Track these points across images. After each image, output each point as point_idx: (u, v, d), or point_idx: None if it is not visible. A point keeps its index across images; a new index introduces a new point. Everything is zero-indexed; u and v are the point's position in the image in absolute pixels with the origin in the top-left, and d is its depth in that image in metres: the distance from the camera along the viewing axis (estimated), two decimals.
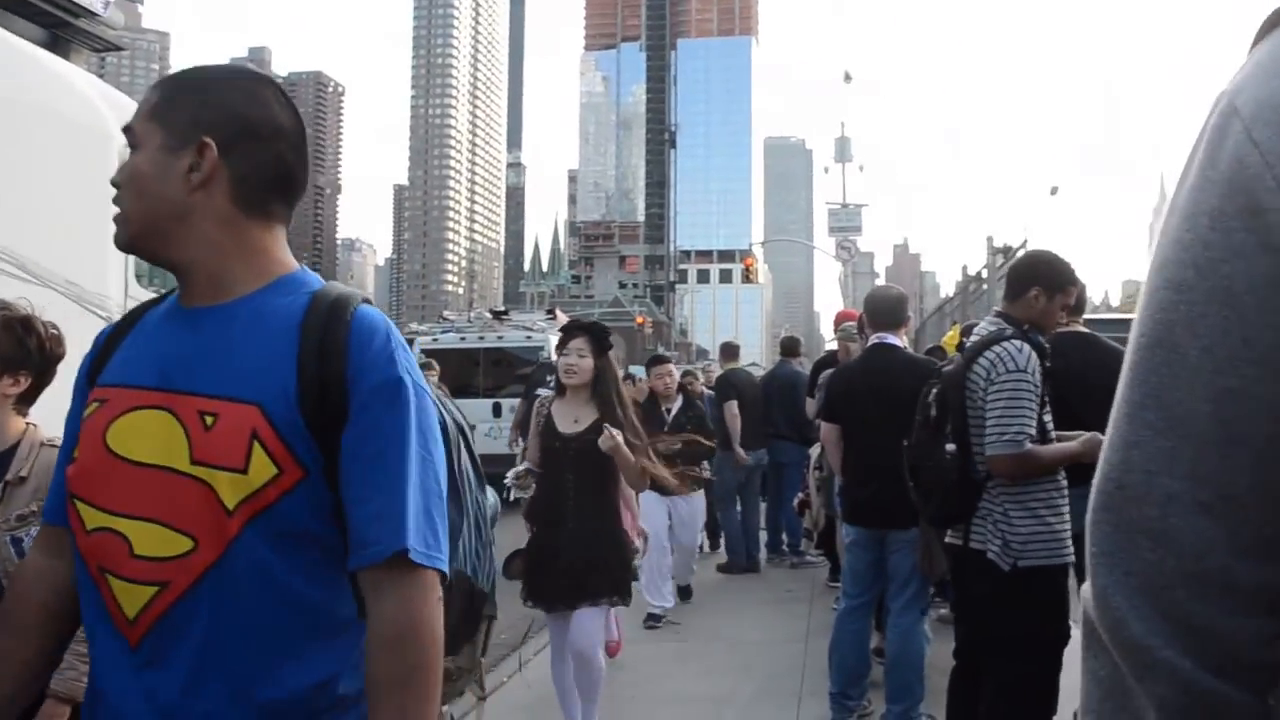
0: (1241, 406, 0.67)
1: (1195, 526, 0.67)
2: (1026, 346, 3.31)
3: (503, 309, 16.05)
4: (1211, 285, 0.67)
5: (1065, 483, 3.37)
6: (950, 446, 3.36)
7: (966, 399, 3.36)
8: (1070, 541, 3.30)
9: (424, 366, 8.95)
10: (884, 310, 4.68)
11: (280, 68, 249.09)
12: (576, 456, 4.04)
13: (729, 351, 10.05)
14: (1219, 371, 0.67)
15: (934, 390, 3.50)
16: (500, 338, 14.24)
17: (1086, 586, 0.73)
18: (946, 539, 3.61)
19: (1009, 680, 3.34)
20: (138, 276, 6.60)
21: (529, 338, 14.18)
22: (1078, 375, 3.62)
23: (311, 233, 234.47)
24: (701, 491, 7.37)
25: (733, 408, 8.44)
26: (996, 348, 3.34)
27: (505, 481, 4.23)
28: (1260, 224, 0.65)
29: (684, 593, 7.43)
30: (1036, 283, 3.47)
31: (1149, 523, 0.69)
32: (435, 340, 14.50)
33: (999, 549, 3.26)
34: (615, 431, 3.87)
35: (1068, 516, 3.32)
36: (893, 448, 4.23)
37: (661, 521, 6.79)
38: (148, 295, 6.57)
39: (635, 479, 4.08)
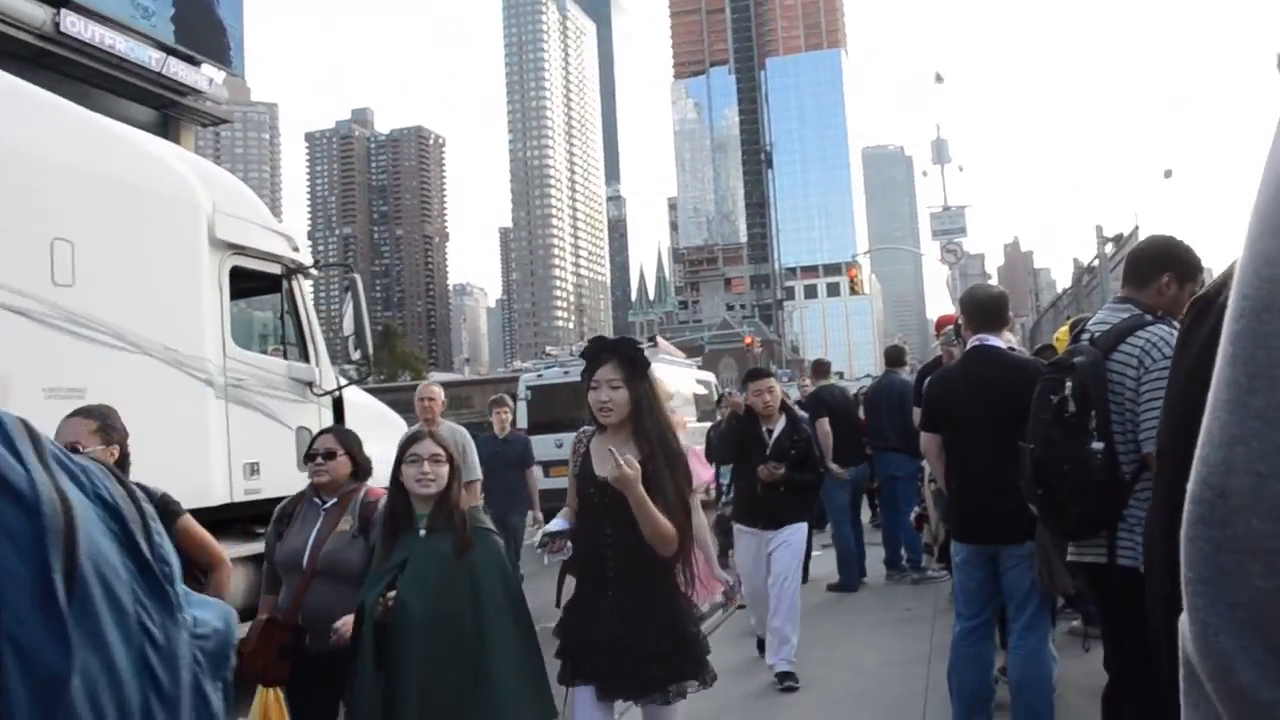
0: None
1: None
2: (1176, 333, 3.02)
3: None
4: None
5: None
6: (1097, 444, 3.00)
7: (1111, 393, 3.05)
8: None
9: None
10: (982, 310, 4.37)
11: (383, 125, 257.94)
12: (615, 505, 3.15)
13: (820, 369, 10.00)
14: None
15: (1068, 384, 3.12)
16: None
17: (1184, 620, 0.58)
18: (1073, 557, 3.30)
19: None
20: (232, 337, 6.77)
21: None
22: None
23: (424, 281, 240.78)
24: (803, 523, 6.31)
25: (824, 424, 8.25)
26: (1145, 333, 3.05)
27: (535, 543, 3.68)
28: None
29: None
30: (1168, 269, 3.22)
31: (1261, 540, 0.53)
32: (540, 376, 14.55)
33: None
34: (628, 459, 3.05)
35: None
36: (999, 456, 3.94)
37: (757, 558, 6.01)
38: (247, 355, 6.70)
39: (654, 534, 3.08)
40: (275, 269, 7.36)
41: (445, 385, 9.01)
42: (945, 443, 4.34)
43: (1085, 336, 3.26)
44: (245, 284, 7.31)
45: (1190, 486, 0.57)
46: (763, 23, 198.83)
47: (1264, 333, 0.55)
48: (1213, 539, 0.55)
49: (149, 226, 6.20)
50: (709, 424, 11.84)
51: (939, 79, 28.79)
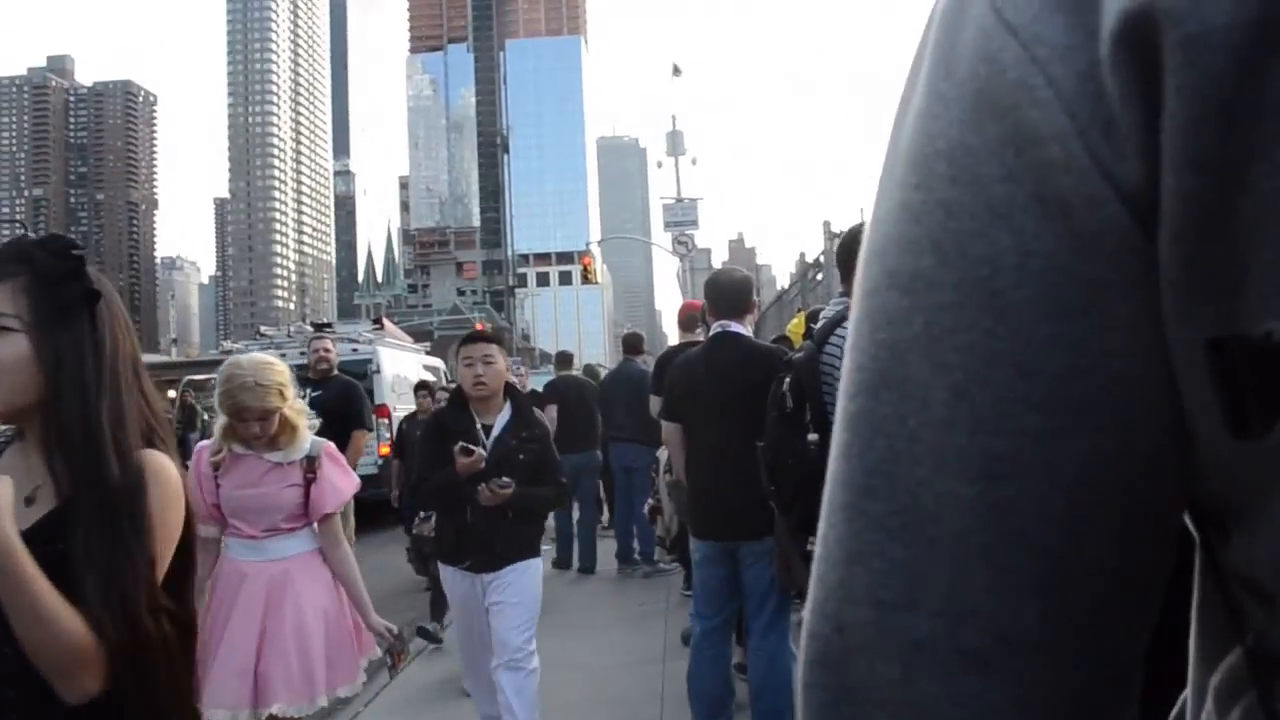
0: (1021, 486, 0.40)
1: (959, 693, 0.41)
2: None
3: (325, 321, 15.04)
4: (961, 278, 0.39)
5: None
6: (813, 436, 2.99)
7: (824, 384, 3.00)
8: None
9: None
10: (728, 295, 4.22)
11: (84, 77, 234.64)
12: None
13: (563, 360, 10.38)
14: (981, 428, 0.40)
15: (786, 380, 3.13)
16: None
17: None
18: (811, 546, 3.21)
19: None
20: None
21: (355, 350, 13.30)
22: None
23: (128, 252, 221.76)
24: None
25: (550, 411, 8.26)
26: (846, 325, 2.98)
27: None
28: (1032, 163, 0.38)
29: None
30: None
31: (886, 689, 0.42)
32: None
33: None
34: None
35: None
36: (739, 448, 3.83)
37: None
38: None
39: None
40: None
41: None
42: (686, 433, 4.18)
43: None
44: None
45: (805, 617, 0.46)
46: (504, 1, 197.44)
47: (882, 416, 0.42)
48: (830, 686, 0.44)
49: None
50: None
51: (676, 71, 29.40)
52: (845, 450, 0.44)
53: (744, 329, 4.16)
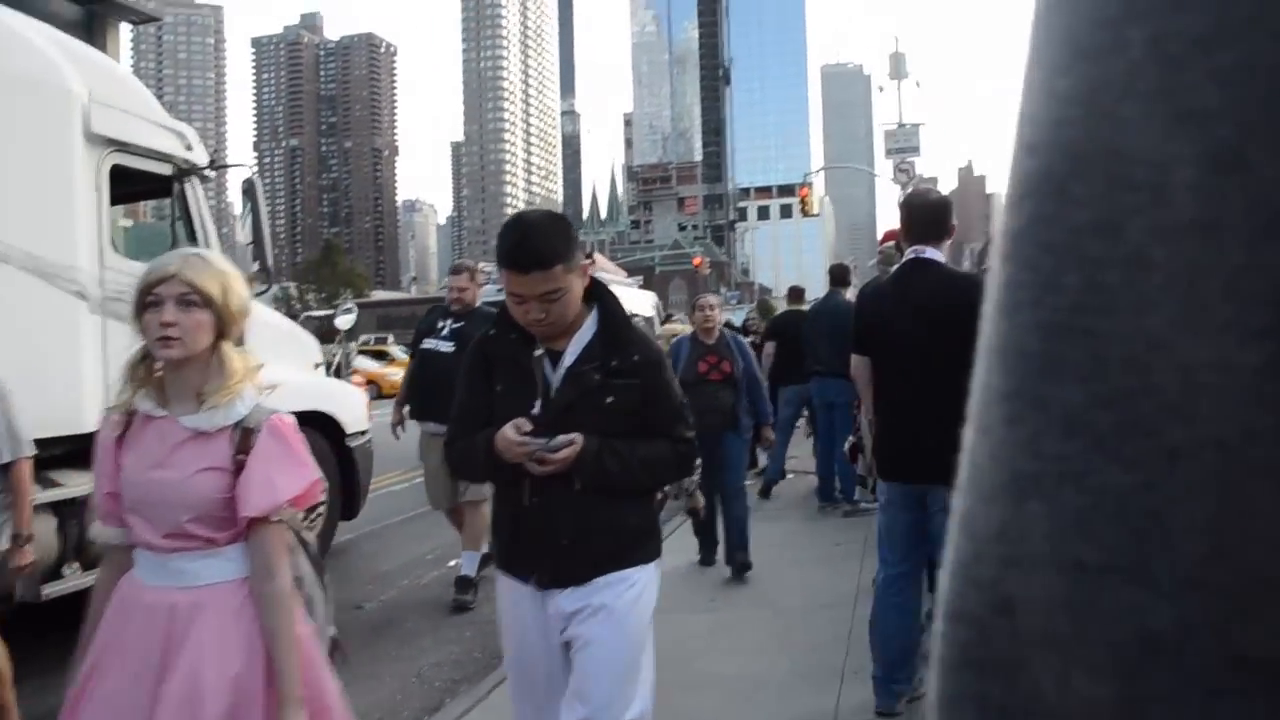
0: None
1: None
2: None
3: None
4: (1140, 199, 0.25)
5: None
6: None
7: None
8: None
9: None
10: (923, 217, 3.86)
11: (332, 32, 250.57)
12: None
13: (794, 294, 10.36)
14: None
15: None
16: None
17: None
18: None
19: None
20: (113, 245, 6.13)
21: None
22: None
23: (372, 196, 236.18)
24: None
25: (768, 348, 9.09)
26: None
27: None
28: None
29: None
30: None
31: (1089, 708, 0.25)
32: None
33: None
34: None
35: None
36: (930, 383, 3.52)
37: None
38: (131, 265, 6.08)
39: None
40: (165, 169, 6.68)
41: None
42: (875, 367, 3.91)
43: None
44: (132, 187, 6.65)
45: (943, 584, 0.30)
46: None
47: (1069, 227, 0.27)
48: (990, 706, 0.27)
49: (6, 115, 5.51)
50: None
51: None
52: (1008, 307, 0.29)
53: (939, 255, 3.82)
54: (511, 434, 2.45)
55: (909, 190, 25.06)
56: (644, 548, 2.65)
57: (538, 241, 2.46)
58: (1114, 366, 0.25)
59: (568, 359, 2.56)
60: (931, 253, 3.78)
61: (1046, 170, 0.28)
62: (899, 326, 3.74)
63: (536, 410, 2.52)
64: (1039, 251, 0.27)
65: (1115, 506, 0.24)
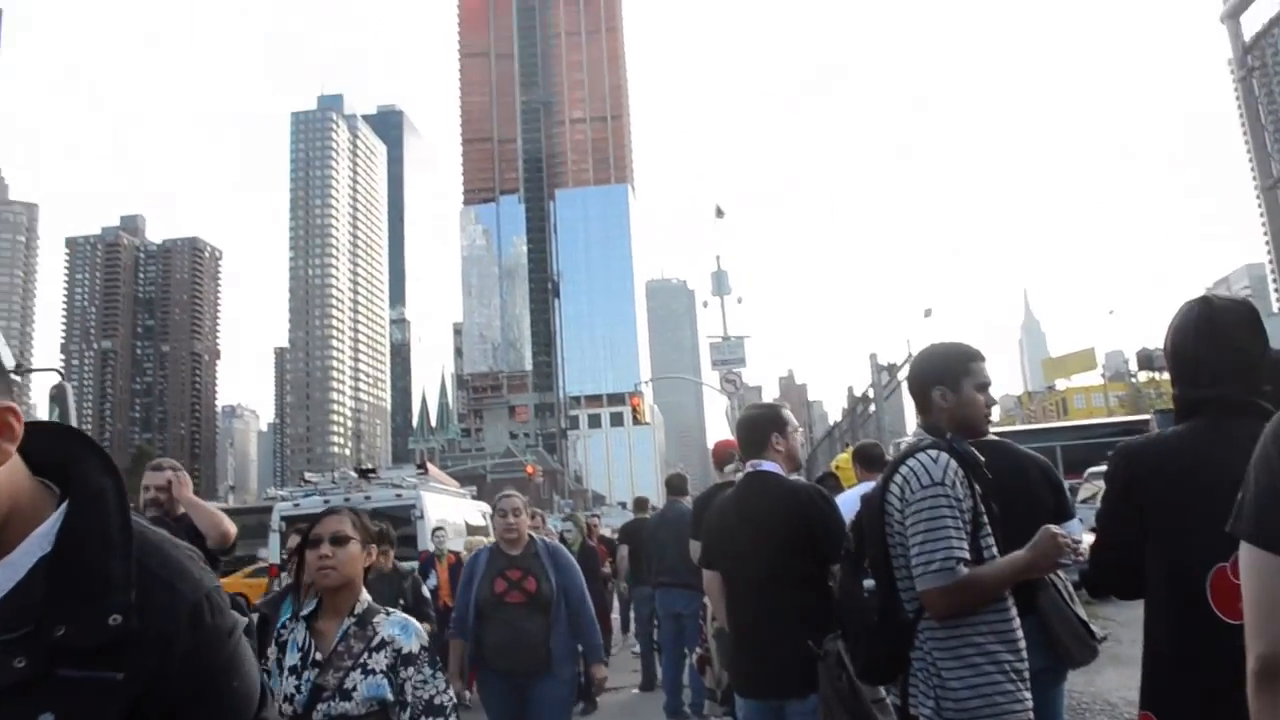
0: None
1: None
2: (944, 456, 2.67)
3: (369, 467, 14.91)
4: None
5: (1013, 613, 2.70)
6: (868, 582, 2.72)
7: (886, 526, 2.72)
8: (1026, 693, 2.59)
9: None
10: (744, 432, 3.99)
11: (155, 234, 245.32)
12: None
13: (640, 504, 11.51)
14: None
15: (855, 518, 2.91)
16: (368, 497, 13.07)
17: None
18: (887, 698, 2.96)
19: None
20: None
21: (399, 495, 13.11)
22: (994, 486, 2.99)
23: (190, 401, 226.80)
24: None
25: (623, 551, 10.14)
26: (910, 461, 2.71)
27: None
28: None
29: None
30: (934, 382, 2.94)
31: None
32: (296, 506, 13.26)
33: (931, 713, 2.55)
34: None
35: (1022, 656, 2.64)
36: (777, 596, 3.58)
37: None
38: None
39: None
40: None
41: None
42: (724, 581, 3.89)
43: None
44: None
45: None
46: (553, 154, 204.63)
47: None
48: None
49: None
50: None
51: (719, 213, 29.78)
52: None
53: (776, 467, 3.86)
54: None
55: (736, 399, 25.71)
56: None
57: None
58: None
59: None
60: (768, 465, 3.83)
61: None
62: (742, 540, 3.76)
63: None
64: None
65: None
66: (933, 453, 2.71)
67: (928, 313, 33.24)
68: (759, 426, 3.93)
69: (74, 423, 6.66)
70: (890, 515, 2.71)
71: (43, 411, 7.29)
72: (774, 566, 3.59)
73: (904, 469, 2.71)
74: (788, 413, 4.05)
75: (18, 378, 5.73)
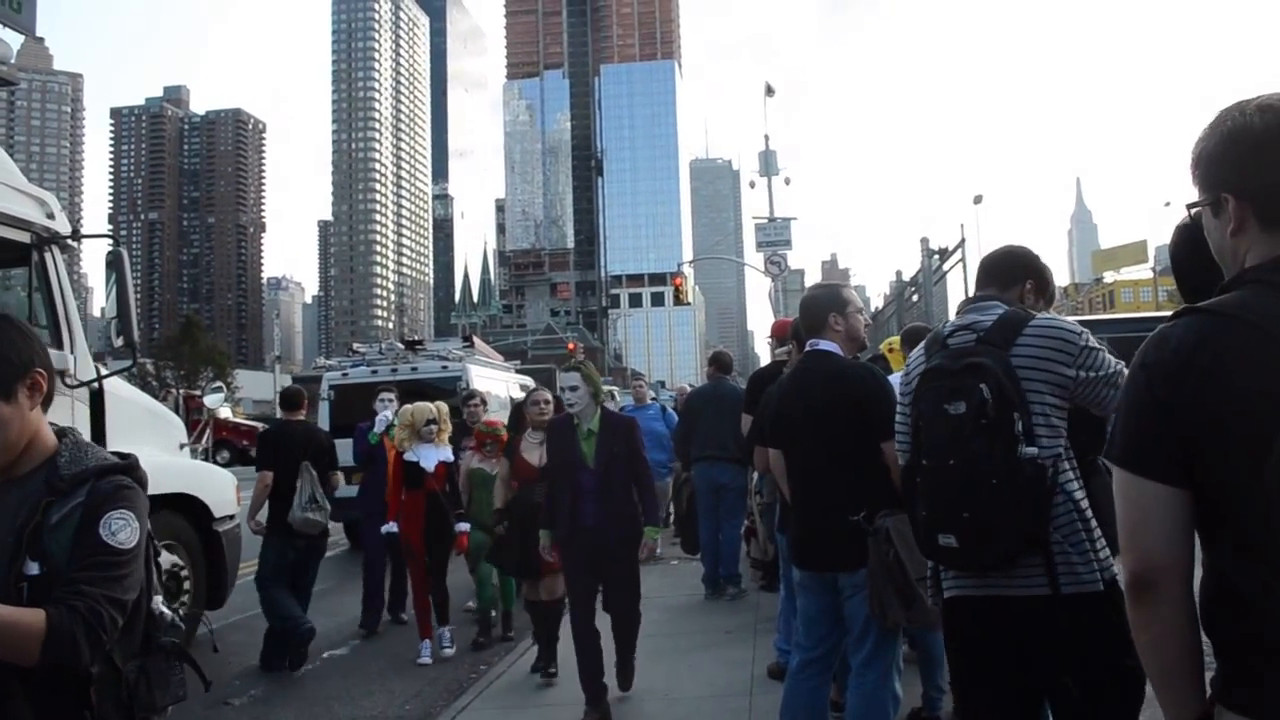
0: None
1: None
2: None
3: (417, 338, 15.11)
4: None
5: None
6: (1029, 450, 2.53)
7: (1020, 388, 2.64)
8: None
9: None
10: (807, 312, 3.96)
11: (198, 106, 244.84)
12: None
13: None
14: None
15: (982, 387, 2.59)
16: (414, 369, 13.32)
17: None
18: (991, 590, 2.66)
19: None
20: None
21: (445, 368, 13.31)
22: None
23: (236, 273, 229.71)
24: None
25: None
26: (1041, 322, 2.69)
27: None
28: None
29: None
30: (1029, 276, 3.00)
31: None
32: (345, 375, 13.53)
33: (1094, 566, 2.53)
34: None
35: None
36: (835, 472, 3.61)
37: None
38: None
39: None
40: (23, 237, 6.29)
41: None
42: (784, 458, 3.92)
43: (965, 336, 2.82)
44: None
45: None
46: (599, 29, 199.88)
47: None
48: None
49: None
50: None
51: (769, 91, 28.99)
52: None
53: (834, 346, 3.84)
54: None
55: (780, 281, 25.58)
56: None
57: None
58: None
59: None
60: (825, 345, 3.82)
61: None
62: (800, 417, 3.77)
63: None
64: None
65: None
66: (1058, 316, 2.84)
67: (978, 199, 32.56)
68: (818, 306, 3.92)
69: (130, 286, 6.77)
70: (1031, 376, 2.62)
71: (97, 279, 7.43)
72: (827, 444, 3.63)
73: (1043, 328, 2.66)
74: (849, 293, 4.02)
75: (74, 242, 5.88)
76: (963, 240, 9.55)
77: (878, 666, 3.57)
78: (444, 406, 7.31)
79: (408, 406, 7.28)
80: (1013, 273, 2.99)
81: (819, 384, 3.73)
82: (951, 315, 3.55)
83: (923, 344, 2.94)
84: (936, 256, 10.35)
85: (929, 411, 2.68)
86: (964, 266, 10.13)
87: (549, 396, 6.56)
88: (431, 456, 6.99)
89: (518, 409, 7.24)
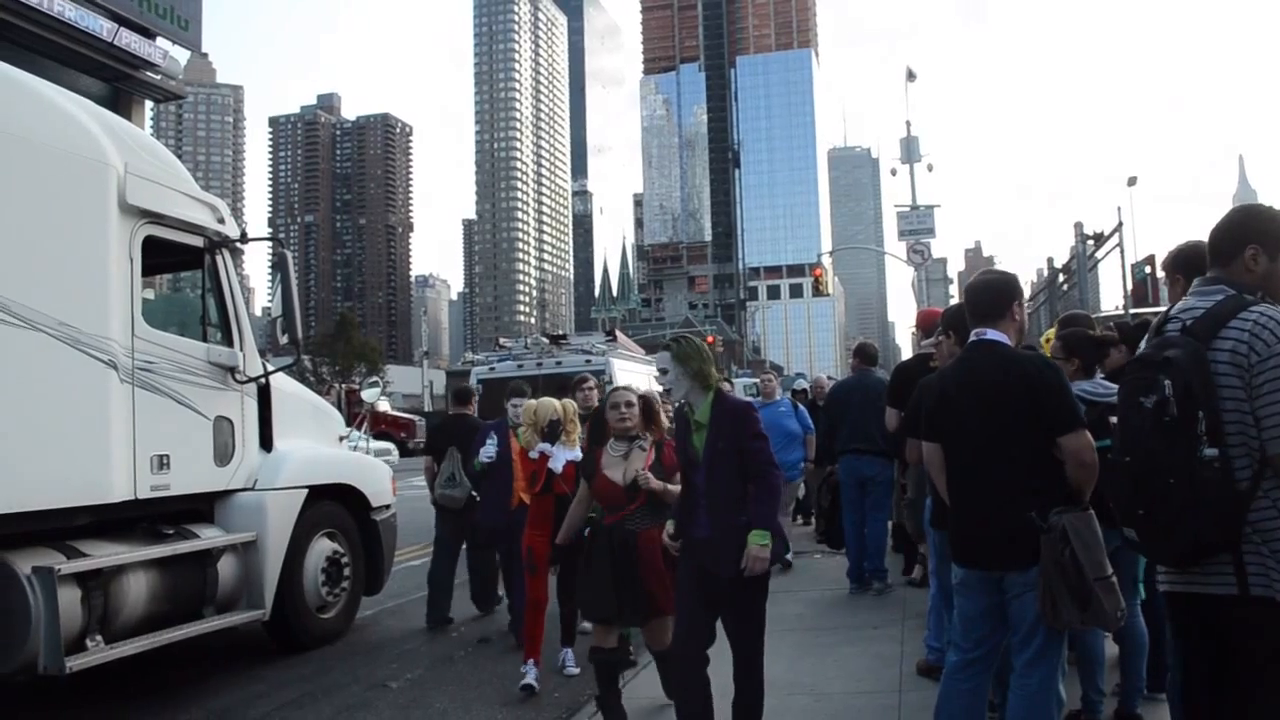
0: None
1: None
2: None
3: (560, 333, 15.43)
4: None
5: None
6: (1211, 451, 2.45)
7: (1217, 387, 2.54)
8: None
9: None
10: (985, 298, 3.71)
11: (349, 111, 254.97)
12: None
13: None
14: None
15: (1166, 383, 2.53)
16: (559, 363, 13.61)
17: None
18: (1178, 587, 2.66)
19: None
20: (146, 317, 6.08)
21: (588, 361, 13.52)
22: None
23: (386, 271, 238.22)
24: None
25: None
26: (1249, 315, 2.53)
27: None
28: None
29: None
30: (1250, 240, 2.70)
31: None
32: (492, 369, 13.91)
33: None
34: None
35: None
36: (1000, 468, 3.44)
37: None
38: (160, 335, 6.01)
39: None
40: (197, 241, 6.69)
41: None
42: (944, 452, 3.77)
43: (1178, 323, 2.69)
44: (163, 258, 6.64)
45: None
46: (734, 20, 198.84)
47: None
48: None
49: (45, 186, 5.51)
50: None
51: (911, 76, 28.27)
52: None
53: (1003, 336, 3.65)
54: None
55: (924, 270, 24.93)
56: None
57: None
58: None
59: None
60: (993, 334, 3.66)
61: None
62: (964, 409, 3.61)
63: None
64: None
65: None
66: (1275, 309, 2.54)
67: (1132, 180, 30.83)
68: (1001, 292, 3.71)
69: (294, 287, 7.13)
70: (1228, 375, 2.51)
71: (260, 279, 7.85)
72: (999, 438, 3.44)
73: (1248, 322, 2.51)
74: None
75: (243, 245, 6.25)
76: (1119, 224, 9.10)
77: (1043, 668, 3.42)
78: (571, 404, 6.66)
79: (530, 403, 6.60)
80: (1227, 243, 2.75)
81: (991, 374, 3.54)
82: (1105, 303, 3.38)
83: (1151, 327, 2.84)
84: (1091, 242, 9.91)
85: (1125, 402, 2.60)
86: (1121, 251, 9.67)
87: (631, 399, 5.49)
88: (560, 456, 6.26)
89: (598, 414, 6.29)
